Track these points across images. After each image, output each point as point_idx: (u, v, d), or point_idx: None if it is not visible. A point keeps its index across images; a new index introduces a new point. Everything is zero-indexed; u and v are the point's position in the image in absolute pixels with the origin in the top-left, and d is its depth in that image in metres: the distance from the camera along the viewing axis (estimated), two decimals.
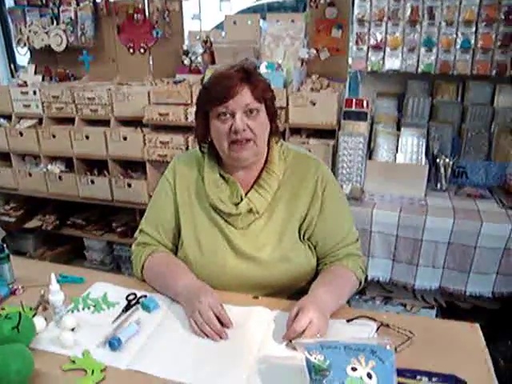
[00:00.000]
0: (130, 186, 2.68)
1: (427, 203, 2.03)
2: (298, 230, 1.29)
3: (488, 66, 2.13)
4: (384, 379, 0.84)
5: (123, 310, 1.21)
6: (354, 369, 0.84)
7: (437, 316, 2.12)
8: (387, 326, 1.12)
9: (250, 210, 1.26)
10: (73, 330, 1.11)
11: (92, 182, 2.76)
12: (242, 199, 1.27)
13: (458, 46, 2.14)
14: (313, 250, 1.32)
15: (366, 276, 1.32)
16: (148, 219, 1.40)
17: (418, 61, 2.20)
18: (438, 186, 2.18)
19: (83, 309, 1.22)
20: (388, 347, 0.88)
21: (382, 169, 2.12)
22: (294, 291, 1.30)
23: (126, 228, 2.93)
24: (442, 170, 2.14)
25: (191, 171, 1.36)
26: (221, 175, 1.30)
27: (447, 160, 2.13)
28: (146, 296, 1.25)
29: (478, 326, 1.16)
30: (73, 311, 1.21)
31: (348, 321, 1.14)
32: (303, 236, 1.30)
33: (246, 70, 1.20)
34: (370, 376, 0.83)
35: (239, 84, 1.17)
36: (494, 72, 2.14)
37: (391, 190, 2.10)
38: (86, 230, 3.04)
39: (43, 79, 3.10)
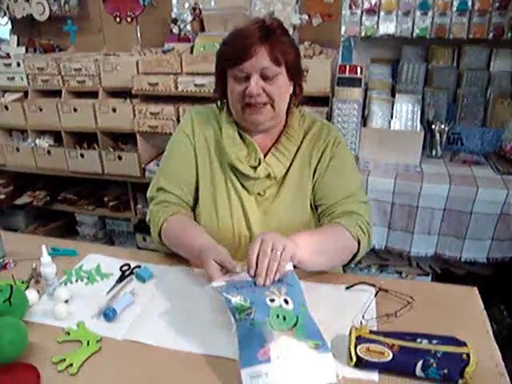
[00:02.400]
0: (120, 158, 2.63)
1: (422, 170, 2.01)
2: (310, 196, 1.26)
3: (485, 29, 2.08)
4: (298, 301, 0.91)
5: (117, 281, 1.18)
6: (272, 300, 0.89)
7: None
8: (386, 291, 1.12)
9: (268, 175, 1.21)
10: (66, 301, 1.09)
11: (82, 155, 2.70)
12: (259, 163, 1.22)
13: (454, 9, 2.08)
14: (316, 216, 1.28)
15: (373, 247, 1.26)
16: (166, 175, 1.28)
17: (413, 25, 2.14)
18: (433, 152, 2.15)
19: (76, 281, 1.20)
20: (290, 271, 0.96)
21: (376, 136, 2.09)
22: None
23: (118, 202, 2.90)
24: (438, 136, 2.11)
25: (209, 124, 1.28)
26: (239, 134, 1.24)
27: (442, 126, 2.10)
28: (139, 266, 1.23)
29: (475, 289, 1.16)
30: (66, 283, 1.18)
31: (347, 288, 1.13)
32: (313, 201, 1.26)
33: (267, 27, 1.11)
34: (286, 302, 0.89)
35: (257, 44, 1.09)
36: (490, 35, 2.09)
37: (386, 158, 2.08)
38: (77, 205, 3.00)
39: (26, 51, 3.00)
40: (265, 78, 1.11)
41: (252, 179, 1.23)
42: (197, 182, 1.28)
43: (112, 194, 2.96)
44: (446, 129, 2.10)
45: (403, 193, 1.90)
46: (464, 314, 1.06)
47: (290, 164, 1.24)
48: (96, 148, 2.71)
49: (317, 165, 1.25)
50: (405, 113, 2.12)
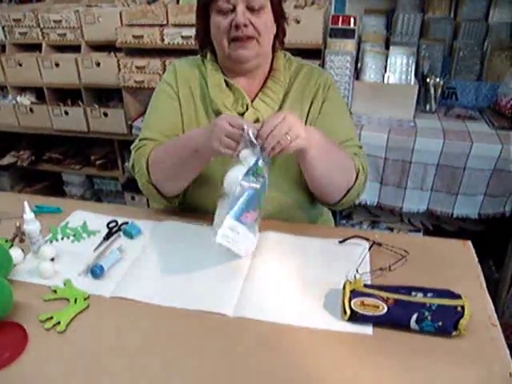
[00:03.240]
0: (106, 115, 2.54)
1: (416, 125, 1.96)
2: None
3: None
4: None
5: (104, 238, 1.16)
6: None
7: None
8: (380, 244, 1.10)
9: (257, 120, 1.16)
10: (52, 259, 1.06)
11: (66, 112, 2.61)
12: (247, 108, 1.18)
13: None
14: None
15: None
16: (150, 126, 1.22)
17: None
18: (427, 107, 2.10)
19: (62, 238, 1.17)
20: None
21: (369, 89, 2.03)
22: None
23: (105, 161, 2.83)
24: (432, 90, 2.05)
25: (193, 73, 1.24)
26: (224, 81, 1.19)
27: (438, 80, 2.04)
28: (127, 223, 1.20)
29: (469, 242, 1.15)
30: (51, 241, 1.15)
31: (340, 242, 1.11)
32: None
33: None
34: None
35: None
36: None
37: (379, 112, 2.02)
38: (63, 164, 2.92)
39: (1, 1, 2.84)
40: (251, 9, 1.07)
41: None
42: (183, 130, 1.23)
43: (98, 152, 2.89)
44: (441, 83, 2.04)
45: (396, 148, 1.86)
46: (458, 267, 1.06)
47: (279, 108, 1.20)
48: (80, 105, 2.62)
49: (309, 109, 1.21)
50: (399, 66, 2.05)
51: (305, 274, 1.00)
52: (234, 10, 1.07)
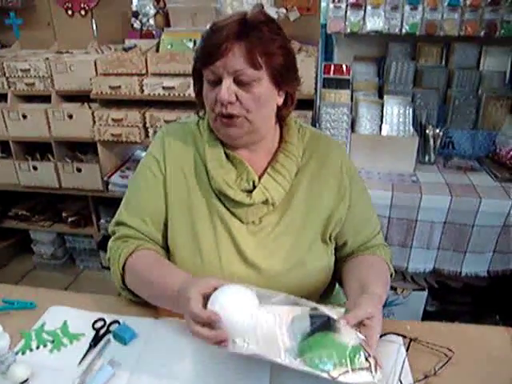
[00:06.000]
0: (79, 170, 2.34)
1: (418, 179, 1.85)
2: (323, 228, 1.06)
3: (477, 25, 1.94)
4: None
5: (91, 345, 0.95)
6: None
7: (428, 298, 2.00)
8: (416, 341, 0.95)
9: (266, 201, 1.00)
10: (25, 382, 0.85)
11: (34, 167, 2.40)
12: (254, 186, 1.01)
13: (445, 4, 1.93)
14: (332, 249, 1.11)
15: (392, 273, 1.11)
16: (129, 209, 1.07)
17: (402, 21, 1.98)
18: (427, 158, 2.01)
19: (37, 347, 0.95)
20: None
21: (367, 142, 1.92)
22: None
23: (78, 217, 2.62)
24: (432, 141, 1.96)
25: (186, 146, 1.06)
26: (225, 153, 1.02)
27: (437, 131, 1.95)
28: (118, 322, 1.00)
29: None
30: (24, 352, 0.94)
31: None
32: (329, 235, 1.07)
33: (248, 20, 0.90)
34: None
35: (230, 41, 0.88)
36: (482, 32, 1.95)
37: (378, 166, 1.91)
38: (31, 221, 2.68)
39: None
40: (240, 83, 0.90)
41: (245, 206, 1.01)
42: (166, 216, 1.05)
43: (71, 208, 2.67)
44: (441, 133, 1.96)
45: (401, 206, 1.74)
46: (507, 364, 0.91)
47: (293, 186, 1.04)
48: (51, 159, 2.41)
49: (337, 200, 1.06)
50: (396, 116, 1.96)
51: None
52: (220, 81, 0.91)
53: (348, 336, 0.80)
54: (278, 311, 0.84)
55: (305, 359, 0.77)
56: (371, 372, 0.77)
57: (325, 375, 0.75)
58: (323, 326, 0.82)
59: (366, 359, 0.78)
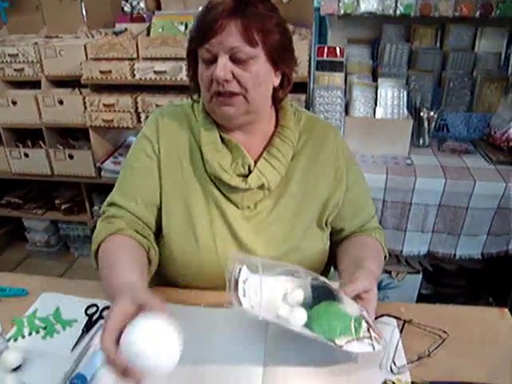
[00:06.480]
0: (71, 157, 2.32)
1: (413, 162, 1.84)
2: (320, 214, 1.05)
3: (472, 6, 1.91)
4: None
5: (83, 331, 0.95)
6: None
7: (422, 281, 2.00)
8: (409, 322, 0.95)
9: (262, 186, 0.99)
10: (18, 368, 0.84)
11: (26, 155, 2.37)
12: (249, 170, 0.99)
13: None
14: (328, 234, 1.10)
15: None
16: (122, 189, 1.04)
17: (397, 1, 1.95)
18: (421, 141, 2.00)
19: (30, 334, 0.95)
20: None
21: (361, 125, 1.90)
22: None
23: (71, 204, 2.59)
24: (426, 124, 1.95)
25: (180, 128, 1.04)
26: (220, 137, 1.00)
27: (432, 113, 1.94)
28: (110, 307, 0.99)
29: (507, 311, 1.02)
30: (16, 339, 0.93)
31: None
32: (326, 220, 1.07)
33: None
34: None
35: (225, 17, 0.86)
36: (477, 13, 1.93)
37: (372, 148, 1.90)
38: (24, 209, 2.66)
39: None
40: (236, 60, 0.88)
41: (241, 191, 1.00)
42: (160, 199, 1.03)
43: (64, 195, 2.65)
44: (435, 115, 1.94)
45: (395, 189, 1.74)
46: (502, 344, 0.92)
47: (288, 170, 1.02)
48: (42, 146, 2.38)
49: (334, 184, 1.05)
50: (390, 99, 1.94)
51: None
52: (216, 59, 0.89)
53: (350, 306, 0.81)
54: (280, 282, 0.85)
55: (313, 327, 0.78)
56: (372, 342, 0.79)
57: (331, 344, 0.77)
58: (327, 295, 0.83)
59: (368, 330, 0.80)
